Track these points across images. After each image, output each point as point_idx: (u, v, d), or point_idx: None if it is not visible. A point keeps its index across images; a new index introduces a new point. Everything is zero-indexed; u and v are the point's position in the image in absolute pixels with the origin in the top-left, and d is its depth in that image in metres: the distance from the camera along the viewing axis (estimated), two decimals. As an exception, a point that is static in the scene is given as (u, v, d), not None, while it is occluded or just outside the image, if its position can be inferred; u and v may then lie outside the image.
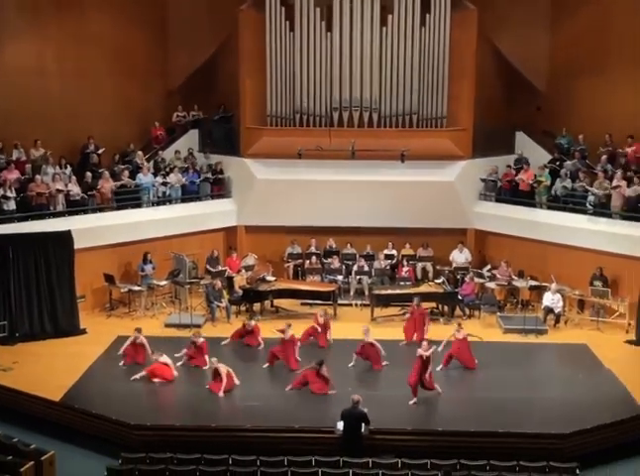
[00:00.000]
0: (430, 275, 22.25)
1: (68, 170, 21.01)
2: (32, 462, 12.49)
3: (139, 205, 21.73)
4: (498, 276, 21.00)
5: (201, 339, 16.96)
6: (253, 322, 18.53)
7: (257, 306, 20.58)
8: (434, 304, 20.48)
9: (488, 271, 21.40)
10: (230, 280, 21.26)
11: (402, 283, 21.24)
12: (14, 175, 19.77)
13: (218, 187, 23.22)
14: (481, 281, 21.03)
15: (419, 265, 22.43)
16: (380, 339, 17.29)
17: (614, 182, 20.08)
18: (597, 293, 19.60)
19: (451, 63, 21.97)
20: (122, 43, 22.71)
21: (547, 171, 21.81)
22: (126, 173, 21.62)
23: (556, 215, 21.09)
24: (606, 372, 16.66)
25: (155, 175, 22.21)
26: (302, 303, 20.66)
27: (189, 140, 24.13)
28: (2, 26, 20.67)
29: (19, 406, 15.41)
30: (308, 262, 22.13)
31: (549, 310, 19.38)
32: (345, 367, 16.69)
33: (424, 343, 15.41)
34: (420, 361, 15.05)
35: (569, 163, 21.81)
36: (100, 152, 22.03)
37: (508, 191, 22.30)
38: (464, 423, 14.22)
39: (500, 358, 17.44)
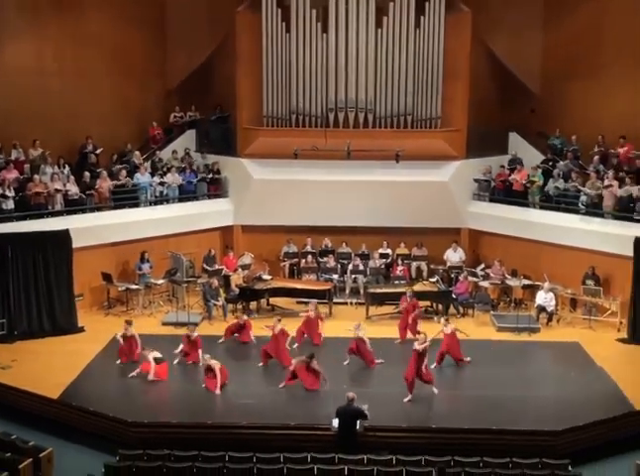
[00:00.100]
0: (424, 274, 22.36)
1: (67, 169, 21.05)
2: (30, 459, 12.61)
3: (136, 205, 21.80)
4: (492, 275, 21.12)
5: (196, 334, 17.09)
6: (245, 317, 18.70)
7: (253, 305, 20.73)
8: (428, 303, 20.64)
9: (482, 270, 21.51)
10: (227, 278, 21.43)
11: (397, 281, 21.31)
12: (13, 174, 19.83)
13: (215, 187, 23.30)
14: (475, 280, 21.16)
15: (414, 264, 22.54)
16: (375, 337, 17.44)
17: (606, 183, 20.21)
18: (589, 291, 19.73)
19: (445, 65, 22.06)
20: (120, 43, 22.77)
21: (540, 171, 21.91)
22: (123, 172, 21.69)
23: (549, 215, 21.20)
24: (598, 370, 16.78)
25: (152, 174, 22.29)
26: (298, 302, 20.73)
27: (186, 140, 24.21)
28: (2, 26, 20.73)
29: (17, 403, 15.50)
30: (304, 261, 22.25)
31: (542, 309, 19.51)
32: (340, 365, 16.79)
33: (420, 337, 15.46)
34: (416, 355, 15.08)
35: (561, 163, 21.93)
36: (98, 152, 22.09)
37: (502, 191, 22.40)
38: (458, 421, 14.34)
39: (494, 356, 17.55)
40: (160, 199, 22.32)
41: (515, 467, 12.72)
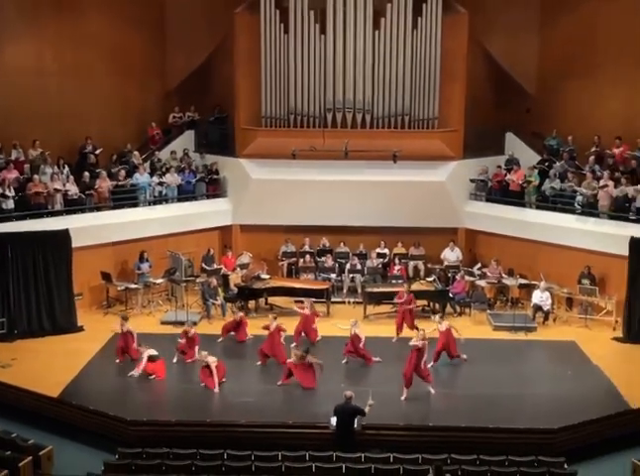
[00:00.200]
0: (422, 273, 22.46)
1: (66, 169, 21.11)
2: (30, 457, 12.74)
3: (135, 205, 21.86)
4: (488, 274, 21.21)
5: (193, 330, 17.19)
6: (240, 313, 18.81)
7: (251, 304, 20.84)
8: (425, 302, 20.74)
9: (479, 269, 21.64)
10: (225, 278, 21.53)
11: (394, 281, 21.39)
12: (13, 174, 19.90)
13: (213, 187, 23.36)
14: (472, 279, 21.24)
15: (411, 263, 22.64)
16: (373, 336, 17.56)
17: (602, 183, 20.31)
18: (585, 291, 19.83)
19: (442, 66, 22.14)
20: (120, 44, 22.84)
21: (536, 171, 22.02)
22: (123, 172, 21.76)
23: (545, 215, 21.29)
24: (594, 368, 16.87)
25: (151, 174, 22.36)
26: (296, 301, 20.69)
27: (185, 140, 24.29)
28: (1, 26, 20.80)
29: (17, 402, 15.58)
30: (302, 260, 22.33)
31: (538, 308, 19.61)
32: (338, 364, 16.89)
33: (420, 333, 15.53)
34: (416, 352, 15.15)
35: (558, 164, 22.00)
36: (98, 152, 22.16)
37: (498, 191, 22.48)
38: (454, 419, 14.43)
39: (490, 355, 17.63)
40: (159, 199, 22.37)
41: (511, 465, 12.80)
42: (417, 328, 16.87)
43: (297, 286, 21.01)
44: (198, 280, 21.19)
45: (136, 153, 22.83)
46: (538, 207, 21.67)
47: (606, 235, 19.74)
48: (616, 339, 18.80)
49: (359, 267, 22.01)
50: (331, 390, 15.18)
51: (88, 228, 20.06)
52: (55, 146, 21.48)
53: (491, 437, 13.92)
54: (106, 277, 20.59)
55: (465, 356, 17.18)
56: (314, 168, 21.67)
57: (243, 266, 21.79)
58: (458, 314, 20.48)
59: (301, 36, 22.23)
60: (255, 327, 18.40)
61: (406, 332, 18.24)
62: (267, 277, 21.32)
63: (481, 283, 21.13)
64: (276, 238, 22.90)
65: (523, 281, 20.74)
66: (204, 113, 24.47)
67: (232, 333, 18.52)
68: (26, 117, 20.84)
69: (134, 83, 23.41)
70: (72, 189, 20.60)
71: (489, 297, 21.04)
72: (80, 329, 19.23)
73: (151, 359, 16.34)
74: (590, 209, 20.56)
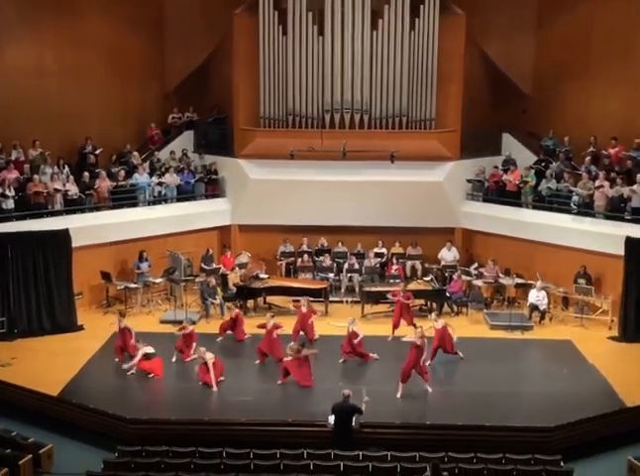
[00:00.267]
0: (419, 272, 22.51)
1: (66, 169, 21.15)
2: (30, 455, 12.83)
3: (135, 205, 21.91)
4: (485, 274, 21.29)
5: (190, 328, 17.28)
6: (236, 310, 18.91)
7: (250, 303, 20.91)
8: (423, 301, 20.82)
9: (476, 269, 21.72)
10: (224, 277, 21.61)
11: (392, 280, 21.43)
12: (13, 174, 19.94)
13: (212, 187, 23.41)
14: (469, 278, 21.34)
15: (408, 263, 22.68)
16: (370, 335, 17.62)
17: (597, 183, 20.39)
18: (581, 290, 19.94)
19: (439, 67, 22.19)
20: (119, 45, 22.89)
21: (533, 171, 22.07)
22: (122, 173, 21.83)
23: (541, 215, 21.36)
24: (590, 367, 16.96)
25: (150, 175, 22.41)
26: (294, 300, 20.79)
27: (184, 141, 24.33)
28: (2, 27, 20.85)
29: (17, 400, 15.60)
30: (300, 260, 22.38)
31: (534, 307, 19.68)
32: (335, 362, 16.99)
33: (417, 330, 15.64)
34: (415, 349, 15.23)
35: (554, 164, 22.06)
36: (97, 152, 22.21)
37: (495, 192, 22.54)
38: (452, 417, 14.48)
39: (487, 354, 17.72)
40: (159, 199, 22.42)
41: (508, 463, 12.85)
42: (415, 326, 16.97)
43: (295, 285, 21.06)
44: (197, 279, 21.28)
45: (135, 153, 22.87)
46: (534, 207, 21.73)
47: (602, 235, 19.81)
48: (612, 338, 18.89)
49: (356, 266, 22.10)
50: (329, 388, 15.23)
51: (88, 228, 20.11)
52: (55, 146, 21.53)
53: (488, 435, 13.95)
54: (106, 276, 20.66)
55: (461, 354, 17.26)
56: (312, 168, 21.72)
57: (241, 265, 21.86)
58: (455, 314, 20.56)
59: (299, 37, 22.26)
60: (253, 327, 18.40)
61: (405, 331, 18.22)
62: (266, 276, 21.40)
63: (478, 282, 21.23)
64: (275, 238, 22.95)
65: (520, 280, 20.79)
66: (203, 114, 24.52)
67: (230, 332, 18.60)
68: (26, 117, 20.89)
69: (133, 84, 23.46)
70: (72, 189, 20.65)
71: (486, 297, 21.12)
72: (80, 328, 19.30)
73: (146, 357, 16.37)
74: (586, 209, 20.65)
